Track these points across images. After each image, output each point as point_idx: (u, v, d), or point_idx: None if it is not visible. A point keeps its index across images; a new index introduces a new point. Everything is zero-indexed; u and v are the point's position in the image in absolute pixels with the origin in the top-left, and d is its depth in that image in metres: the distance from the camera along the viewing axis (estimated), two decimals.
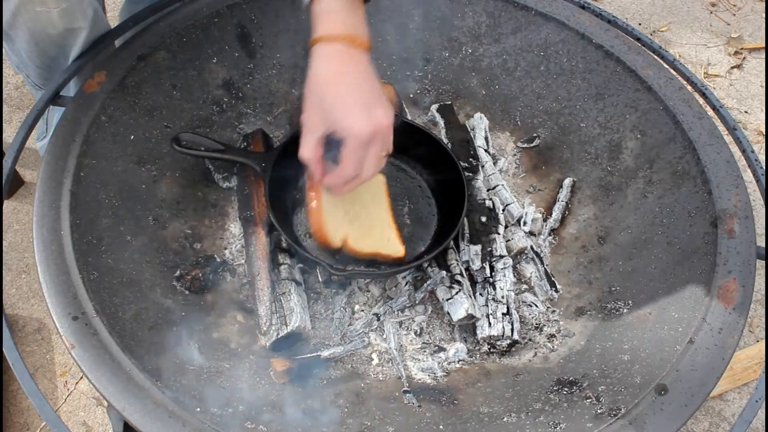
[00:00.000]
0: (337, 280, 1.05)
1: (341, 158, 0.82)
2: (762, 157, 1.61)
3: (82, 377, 1.18)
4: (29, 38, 1.00)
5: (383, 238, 1.01)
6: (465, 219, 1.06)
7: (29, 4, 0.93)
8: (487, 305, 1.01)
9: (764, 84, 1.79)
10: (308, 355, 0.96)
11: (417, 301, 1.03)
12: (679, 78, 1.11)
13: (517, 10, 1.19)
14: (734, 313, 0.85)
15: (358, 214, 1.01)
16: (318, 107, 0.80)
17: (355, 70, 0.80)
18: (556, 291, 1.08)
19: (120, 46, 1.07)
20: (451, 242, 1.04)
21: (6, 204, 1.37)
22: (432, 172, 1.15)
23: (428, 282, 1.03)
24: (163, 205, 1.03)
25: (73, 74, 1.04)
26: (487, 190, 1.15)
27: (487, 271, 1.05)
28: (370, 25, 0.85)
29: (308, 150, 0.83)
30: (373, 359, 1.01)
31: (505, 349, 1.01)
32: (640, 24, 1.93)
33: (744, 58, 1.86)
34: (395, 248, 1.01)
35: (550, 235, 1.16)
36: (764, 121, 1.70)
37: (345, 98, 0.79)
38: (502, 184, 1.16)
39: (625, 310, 0.98)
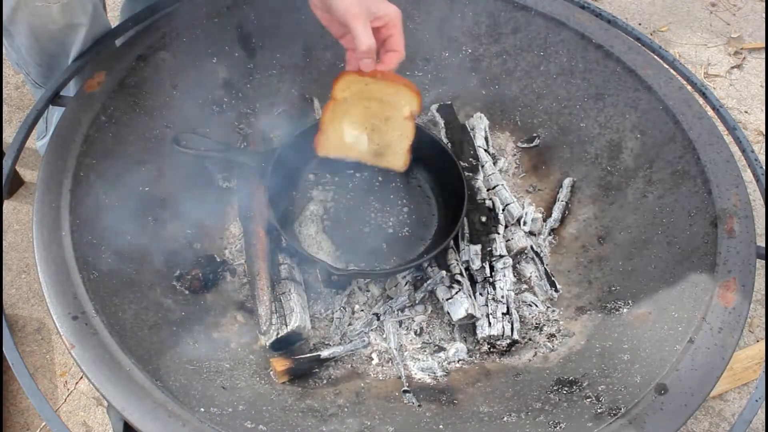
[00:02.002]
0: (337, 280, 1.05)
1: (393, 40, 0.95)
2: (762, 157, 1.61)
3: (82, 377, 1.18)
4: (29, 34, 1.00)
5: (395, 146, 1.07)
6: (465, 219, 1.07)
7: None
8: (487, 305, 1.01)
9: (764, 84, 1.79)
10: (308, 355, 0.96)
11: (417, 301, 1.04)
12: (679, 78, 1.11)
13: (517, 10, 1.19)
14: (734, 312, 0.85)
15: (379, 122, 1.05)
16: (363, 3, 0.91)
17: None
18: (556, 291, 1.08)
19: (120, 46, 1.07)
20: (451, 242, 1.04)
21: (6, 204, 1.37)
22: (432, 172, 1.14)
23: (428, 282, 1.03)
24: (163, 205, 1.03)
25: (73, 74, 1.04)
26: (487, 190, 1.15)
27: (487, 270, 1.05)
28: None
29: (370, 36, 0.92)
30: (373, 359, 1.01)
31: (505, 348, 1.01)
32: (640, 24, 1.93)
33: (744, 58, 1.86)
34: (398, 161, 1.08)
35: (550, 234, 1.16)
36: (764, 121, 1.70)
37: None
38: (502, 184, 1.16)
39: (625, 310, 0.98)
